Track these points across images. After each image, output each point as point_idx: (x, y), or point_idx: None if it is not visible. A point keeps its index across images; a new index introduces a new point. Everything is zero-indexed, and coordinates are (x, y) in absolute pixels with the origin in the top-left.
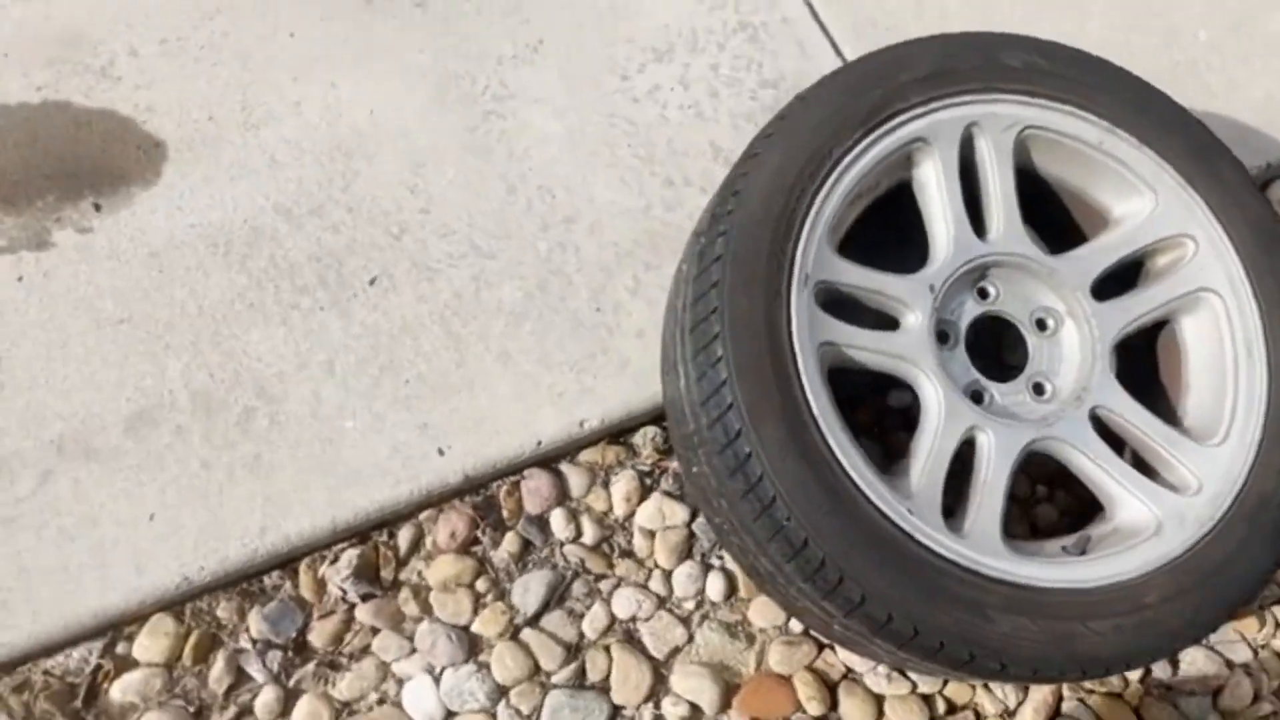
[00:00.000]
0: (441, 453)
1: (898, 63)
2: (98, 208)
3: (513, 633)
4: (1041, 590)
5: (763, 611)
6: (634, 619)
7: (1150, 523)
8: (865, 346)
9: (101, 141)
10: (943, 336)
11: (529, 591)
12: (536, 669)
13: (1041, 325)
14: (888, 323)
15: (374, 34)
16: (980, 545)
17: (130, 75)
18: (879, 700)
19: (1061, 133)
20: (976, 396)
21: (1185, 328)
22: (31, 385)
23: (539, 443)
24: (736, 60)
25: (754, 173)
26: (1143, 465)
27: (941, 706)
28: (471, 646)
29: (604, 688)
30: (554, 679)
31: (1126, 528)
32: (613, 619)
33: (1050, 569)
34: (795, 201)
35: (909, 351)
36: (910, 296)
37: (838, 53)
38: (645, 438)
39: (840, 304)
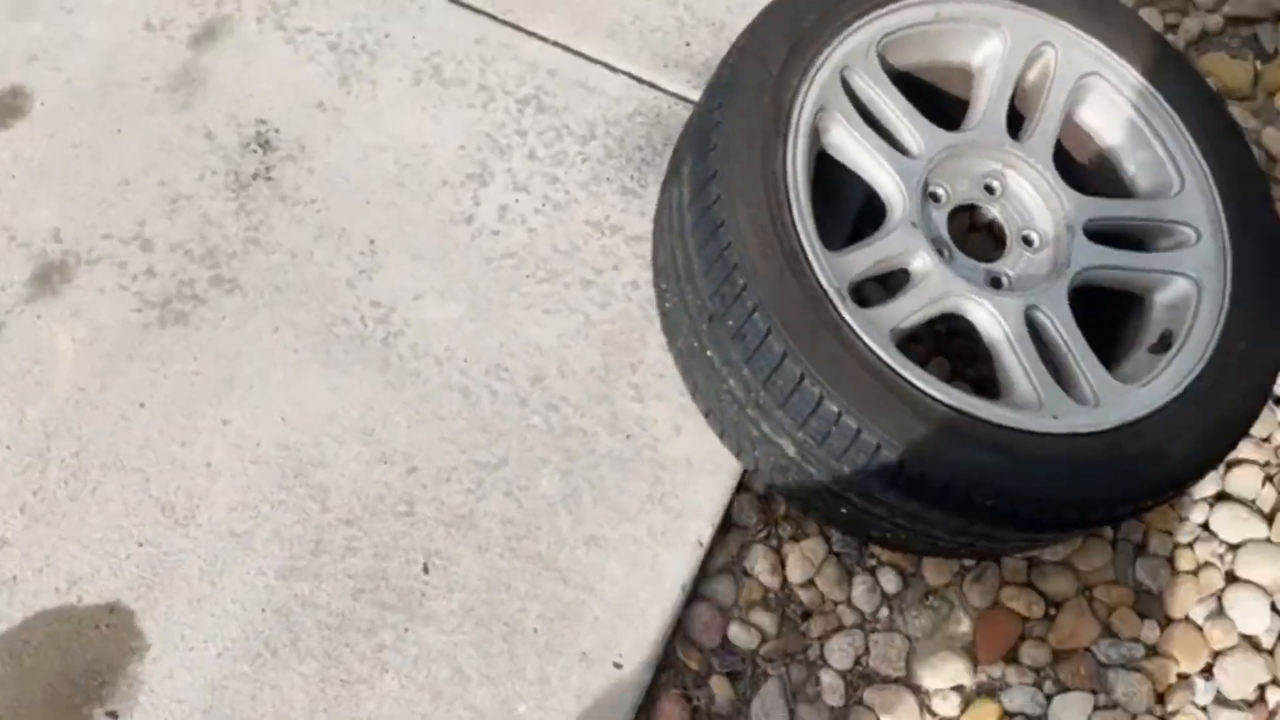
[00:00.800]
0: (618, 665)
1: (760, 61)
2: (114, 716)
3: None
4: (1186, 401)
5: (936, 570)
6: (858, 660)
7: (1190, 291)
8: (916, 309)
9: (57, 653)
10: (941, 253)
11: (770, 715)
12: None
13: (990, 190)
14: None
15: (218, 349)
16: (1112, 401)
17: (20, 564)
18: (1073, 569)
19: (907, 26)
20: (995, 283)
21: (1085, 116)
22: None
23: (682, 587)
24: (543, 135)
25: (738, 241)
26: (1143, 245)
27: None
28: None
29: None
30: None
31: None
32: (845, 675)
33: (1169, 379)
34: (789, 245)
35: (946, 288)
36: (909, 243)
37: (613, 70)
38: (743, 510)
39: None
